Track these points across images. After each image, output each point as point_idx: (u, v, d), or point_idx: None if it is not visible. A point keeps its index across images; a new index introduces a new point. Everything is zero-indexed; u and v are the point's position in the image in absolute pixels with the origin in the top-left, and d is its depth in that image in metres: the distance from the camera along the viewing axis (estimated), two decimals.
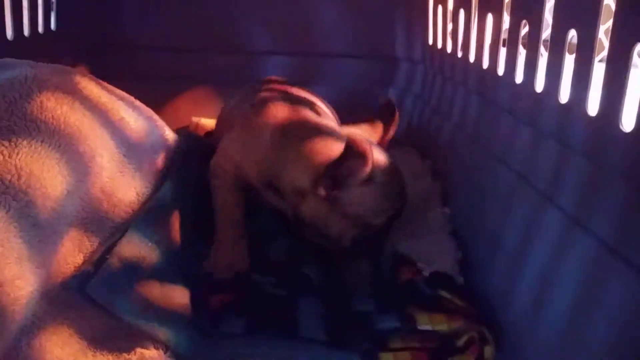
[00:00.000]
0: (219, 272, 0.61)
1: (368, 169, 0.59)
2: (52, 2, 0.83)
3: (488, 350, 0.53)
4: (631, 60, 0.39)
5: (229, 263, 0.62)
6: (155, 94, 0.76)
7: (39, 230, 0.46)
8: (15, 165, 0.46)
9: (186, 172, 0.68)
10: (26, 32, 0.75)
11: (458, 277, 0.62)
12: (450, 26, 0.84)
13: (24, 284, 0.43)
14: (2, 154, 0.47)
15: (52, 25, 0.84)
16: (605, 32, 0.41)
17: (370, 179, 0.60)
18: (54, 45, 0.83)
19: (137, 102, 0.67)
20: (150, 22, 1.05)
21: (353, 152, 0.57)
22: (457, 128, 0.78)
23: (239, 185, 0.69)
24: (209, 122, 1.02)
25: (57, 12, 0.85)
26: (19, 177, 0.46)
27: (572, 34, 0.48)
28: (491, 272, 0.60)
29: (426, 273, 0.61)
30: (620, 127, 0.40)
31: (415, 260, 0.64)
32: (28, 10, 0.75)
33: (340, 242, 0.62)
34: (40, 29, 0.80)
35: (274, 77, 0.89)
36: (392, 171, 0.64)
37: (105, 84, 0.63)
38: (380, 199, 0.62)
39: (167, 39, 1.05)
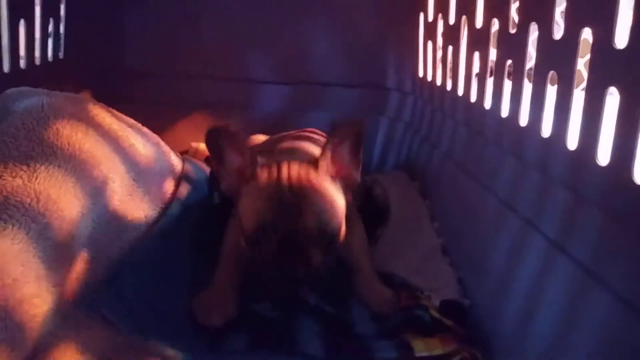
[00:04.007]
0: (207, 317, 0.58)
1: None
2: (61, 33, 0.86)
3: None
4: (605, 102, 0.44)
5: (219, 308, 0.59)
6: (155, 119, 0.78)
7: (55, 251, 0.48)
8: (35, 189, 0.49)
9: (190, 196, 0.71)
10: (37, 61, 0.78)
11: (464, 300, 0.64)
12: (439, 60, 0.88)
13: (41, 302, 0.45)
14: (22, 178, 0.49)
15: (61, 54, 0.87)
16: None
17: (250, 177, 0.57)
18: (61, 72, 0.86)
19: (145, 129, 0.70)
20: (151, 50, 1.08)
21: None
22: (445, 156, 0.82)
23: None
24: None
25: (65, 41, 0.88)
26: (38, 201, 0.48)
27: (552, 73, 0.52)
28: (479, 293, 0.63)
29: (436, 302, 0.62)
30: (597, 161, 0.45)
31: (420, 288, 0.65)
32: (40, 40, 0.78)
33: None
34: (50, 57, 0.83)
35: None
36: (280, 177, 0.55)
37: (115, 111, 0.66)
38: (253, 201, 0.56)
39: (167, 66, 1.08)
